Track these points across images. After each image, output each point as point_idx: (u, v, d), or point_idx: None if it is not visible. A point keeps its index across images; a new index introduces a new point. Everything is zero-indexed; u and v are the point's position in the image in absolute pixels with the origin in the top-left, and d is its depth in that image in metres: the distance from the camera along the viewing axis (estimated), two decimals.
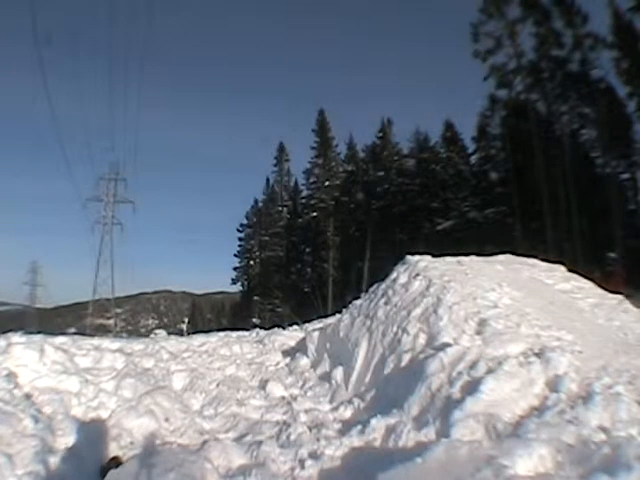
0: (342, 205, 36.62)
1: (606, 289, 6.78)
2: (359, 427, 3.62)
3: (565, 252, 18.25)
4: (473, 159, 31.73)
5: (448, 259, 6.76)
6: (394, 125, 38.09)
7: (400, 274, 6.11)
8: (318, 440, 3.57)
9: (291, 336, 7.86)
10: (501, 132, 27.77)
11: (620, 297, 6.47)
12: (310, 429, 3.88)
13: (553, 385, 3.32)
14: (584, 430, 2.77)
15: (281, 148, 45.69)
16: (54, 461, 3.21)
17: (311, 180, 40.04)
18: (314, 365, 5.96)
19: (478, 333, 4.34)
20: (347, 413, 4.36)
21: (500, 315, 4.65)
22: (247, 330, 9.52)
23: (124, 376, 4.72)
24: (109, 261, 39.88)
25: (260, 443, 3.59)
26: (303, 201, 42.33)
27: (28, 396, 3.87)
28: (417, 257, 6.56)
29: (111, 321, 41.45)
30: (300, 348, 6.66)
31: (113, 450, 3.48)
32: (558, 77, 23.56)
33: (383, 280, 6.41)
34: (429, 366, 3.85)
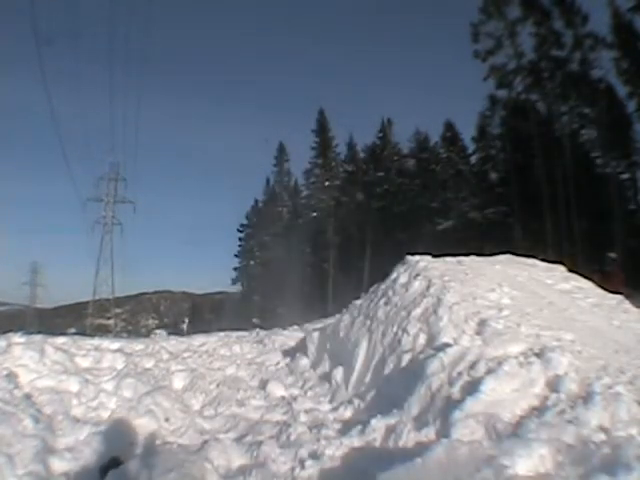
0: (342, 205, 36.64)
1: (606, 289, 6.78)
2: (359, 427, 3.61)
3: (565, 252, 18.27)
4: (473, 159, 31.78)
5: (448, 259, 6.76)
6: (394, 125, 38.13)
7: (400, 274, 6.10)
8: (318, 440, 3.56)
9: (291, 336, 7.87)
10: (501, 132, 27.81)
11: (620, 297, 6.46)
12: (310, 429, 3.88)
13: (553, 385, 3.32)
14: (584, 430, 2.77)
15: (281, 148, 45.70)
16: (54, 461, 3.21)
17: (311, 180, 40.07)
18: (314, 365, 5.96)
19: (478, 333, 4.33)
20: (347, 413, 4.36)
21: (500, 315, 4.65)
22: (247, 330, 9.52)
23: (124, 376, 4.72)
24: (109, 261, 40.08)
25: (260, 443, 3.59)
26: (303, 201, 42.35)
27: (28, 396, 3.87)
28: (417, 257, 6.56)
29: (111, 321, 41.52)
30: (300, 348, 6.66)
31: (113, 450, 3.47)
32: (558, 77, 23.58)
33: (383, 280, 6.41)
34: (429, 366, 3.85)
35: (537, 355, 3.63)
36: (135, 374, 4.92)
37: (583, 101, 23.43)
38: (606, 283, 7.32)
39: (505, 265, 6.84)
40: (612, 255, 13.03)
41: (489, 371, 3.46)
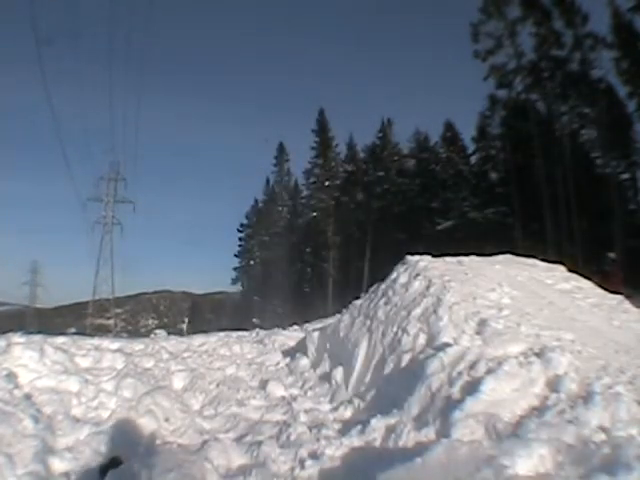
0: (342, 205, 36.66)
1: (605, 289, 6.78)
2: (359, 427, 3.61)
3: (565, 252, 18.27)
4: (473, 159, 31.80)
5: (448, 259, 6.76)
6: (394, 125, 38.16)
7: (400, 274, 6.10)
8: (318, 440, 3.56)
9: (291, 336, 7.87)
10: (501, 132, 27.82)
11: (620, 297, 6.46)
12: (310, 429, 3.88)
13: (553, 385, 3.32)
14: (584, 430, 2.77)
15: (281, 148, 45.74)
16: (54, 461, 3.21)
17: (311, 180, 40.10)
18: (314, 365, 5.96)
19: (478, 333, 4.33)
20: (347, 413, 4.36)
21: (500, 315, 4.65)
22: (247, 330, 9.52)
23: (124, 376, 4.72)
24: (109, 261, 40.05)
25: (260, 443, 3.59)
26: (303, 201, 42.41)
27: (28, 396, 3.87)
28: (417, 257, 6.56)
29: (111, 321, 41.47)
30: (300, 348, 6.66)
31: (113, 450, 3.47)
32: (558, 77, 23.58)
33: (383, 280, 6.41)
34: (429, 366, 3.85)
35: (537, 355, 3.63)
36: (135, 374, 4.91)
37: (583, 101, 23.43)
38: (605, 283, 7.33)
39: (505, 265, 6.84)
40: (611, 255, 13.03)
41: (489, 371, 3.46)
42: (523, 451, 2.49)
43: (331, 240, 36.92)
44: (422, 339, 4.61)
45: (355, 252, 34.49)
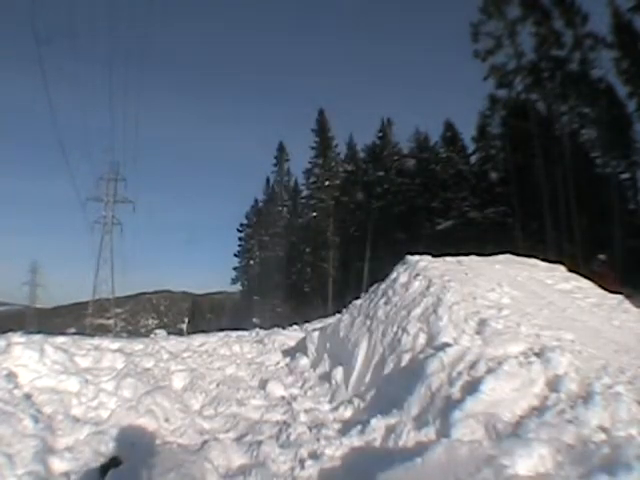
0: (342, 205, 36.65)
1: (605, 289, 6.78)
2: (359, 427, 3.62)
3: (565, 252, 18.27)
4: (473, 159, 31.80)
5: (448, 259, 6.76)
6: (394, 125, 38.13)
7: (400, 274, 6.11)
8: (318, 440, 3.56)
9: (291, 336, 7.86)
10: (501, 132, 27.81)
11: (620, 297, 6.47)
12: (310, 429, 3.88)
13: (553, 385, 3.32)
14: (584, 430, 2.77)
15: (281, 148, 45.73)
16: (54, 461, 3.21)
17: (311, 180, 40.09)
18: (314, 365, 5.96)
19: (478, 333, 4.34)
20: (347, 413, 4.36)
21: (500, 315, 4.65)
22: (247, 330, 9.52)
23: (124, 376, 4.72)
24: (109, 261, 40.11)
25: (260, 443, 3.59)
26: (303, 201, 42.40)
27: (28, 396, 3.87)
28: (417, 257, 6.56)
29: (111, 321, 41.50)
30: (300, 348, 6.66)
31: (113, 450, 3.47)
32: (558, 77, 23.57)
33: (383, 280, 6.41)
34: (429, 366, 3.85)
35: (537, 355, 3.63)
36: (135, 374, 4.91)
37: (583, 101, 23.43)
38: (602, 283, 7.31)
39: (505, 265, 6.84)
40: (601, 257, 13.00)
41: (489, 371, 3.46)
42: (523, 451, 2.49)
43: (331, 240, 36.91)
44: (422, 339, 4.61)
45: (355, 252, 34.46)
